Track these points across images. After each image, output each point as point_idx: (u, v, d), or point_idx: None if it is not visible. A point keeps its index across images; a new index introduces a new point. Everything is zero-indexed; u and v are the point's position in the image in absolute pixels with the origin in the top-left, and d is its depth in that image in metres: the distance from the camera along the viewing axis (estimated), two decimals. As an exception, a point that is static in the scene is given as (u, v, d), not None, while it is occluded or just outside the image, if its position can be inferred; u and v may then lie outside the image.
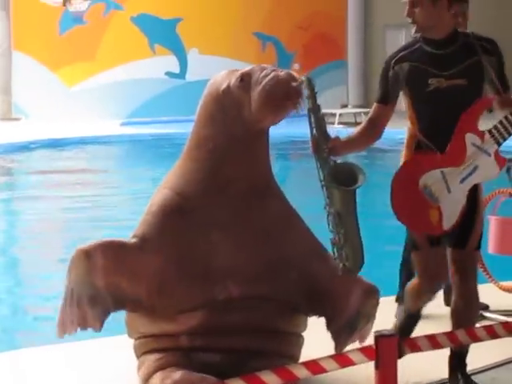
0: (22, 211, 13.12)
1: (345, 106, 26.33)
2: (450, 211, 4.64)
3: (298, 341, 4.78)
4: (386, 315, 5.53)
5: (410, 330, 5.03)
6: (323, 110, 4.60)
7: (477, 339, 3.30)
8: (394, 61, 4.74)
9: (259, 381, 3.04)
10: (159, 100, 23.91)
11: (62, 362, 5.58)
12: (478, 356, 5.07)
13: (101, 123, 21.73)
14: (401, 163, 4.84)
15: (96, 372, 5.28)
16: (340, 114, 23.08)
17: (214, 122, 4.59)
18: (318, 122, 4.44)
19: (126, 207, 12.61)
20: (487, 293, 6.46)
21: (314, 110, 4.40)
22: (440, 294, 6.21)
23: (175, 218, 4.48)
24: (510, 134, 4.65)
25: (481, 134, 4.63)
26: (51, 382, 5.21)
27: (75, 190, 14.28)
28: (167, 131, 18.63)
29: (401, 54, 4.75)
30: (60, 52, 22.76)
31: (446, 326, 5.94)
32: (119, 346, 5.33)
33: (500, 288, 6.14)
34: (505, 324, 3.51)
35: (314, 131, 4.45)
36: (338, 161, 4.48)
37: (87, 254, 4.38)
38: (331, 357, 3.18)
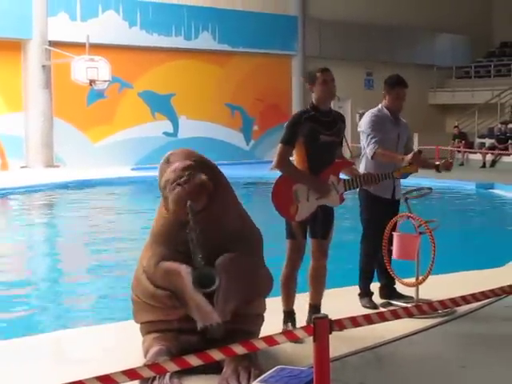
0: (59, 230, 13.09)
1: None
2: (303, 211, 5.18)
3: (258, 320, 4.75)
4: (326, 304, 5.50)
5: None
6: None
7: (384, 319, 3.31)
8: (303, 118, 5.19)
9: (231, 351, 3.03)
10: (158, 152, 23.80)
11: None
12: (385, 332, 5.08)
13: (116, 168, 21.68)
14: None
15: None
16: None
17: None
18: (196, 238, 4.31)
19: (135, 224, 12.88)
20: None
21: (193, 229, 4.33)
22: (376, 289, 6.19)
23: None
24: (354, 188, 5.45)
25: (338, 180, 5.30)
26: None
27: (98, 214, 14.35)
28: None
29: (304, 115, 5.21)
30: (87, 118, 22.68)
31: (365, 310, 5.95)
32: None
33: (400, 282, 6.16)
34: (404, 309, 3.53)
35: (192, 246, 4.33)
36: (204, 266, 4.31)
37: None
38: (282, 333, 3.18)
